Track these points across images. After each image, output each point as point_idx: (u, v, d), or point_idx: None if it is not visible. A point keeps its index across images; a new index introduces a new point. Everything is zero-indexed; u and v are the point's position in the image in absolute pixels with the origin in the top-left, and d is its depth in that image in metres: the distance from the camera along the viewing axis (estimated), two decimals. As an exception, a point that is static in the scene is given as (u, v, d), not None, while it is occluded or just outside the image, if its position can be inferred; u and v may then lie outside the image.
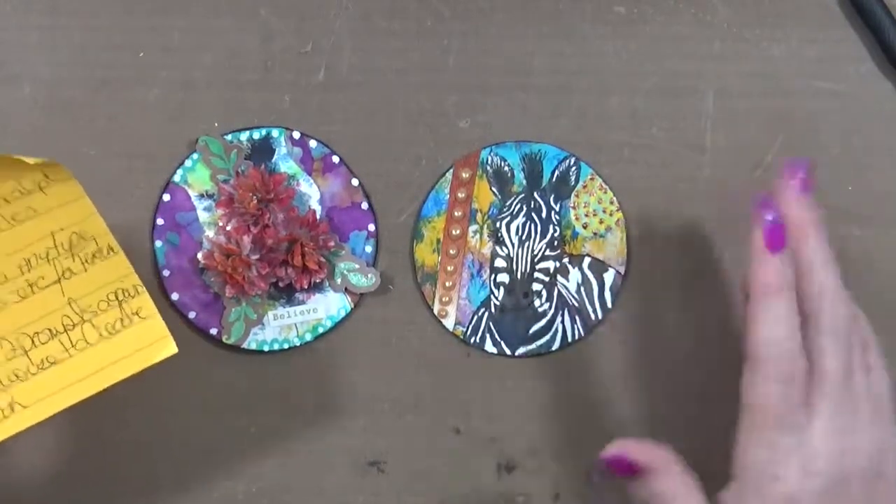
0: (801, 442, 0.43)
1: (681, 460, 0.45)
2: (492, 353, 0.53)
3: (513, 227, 0.52)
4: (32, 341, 0.45)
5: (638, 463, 0.45)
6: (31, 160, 0.43)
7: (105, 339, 0.45)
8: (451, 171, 0.53)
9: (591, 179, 0.53)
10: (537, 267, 0.52)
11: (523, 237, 0.52)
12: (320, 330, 0.52)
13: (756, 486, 0.43)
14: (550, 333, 0.53)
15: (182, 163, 0.52)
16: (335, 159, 0.52)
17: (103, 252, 0.45)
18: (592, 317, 0.53)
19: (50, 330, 0.45)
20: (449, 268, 0.52)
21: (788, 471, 0.43)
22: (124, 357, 0.45)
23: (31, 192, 0.45)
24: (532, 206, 0.52)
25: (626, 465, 0.45)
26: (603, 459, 0.46)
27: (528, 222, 0.52)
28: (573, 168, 0.53)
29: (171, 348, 0.45)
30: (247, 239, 0.50)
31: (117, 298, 0.45)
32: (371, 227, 0.52)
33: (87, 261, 0.45)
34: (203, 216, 0.52)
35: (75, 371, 0.45)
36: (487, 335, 0.52)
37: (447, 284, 0.52)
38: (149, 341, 0.45)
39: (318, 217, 0.52)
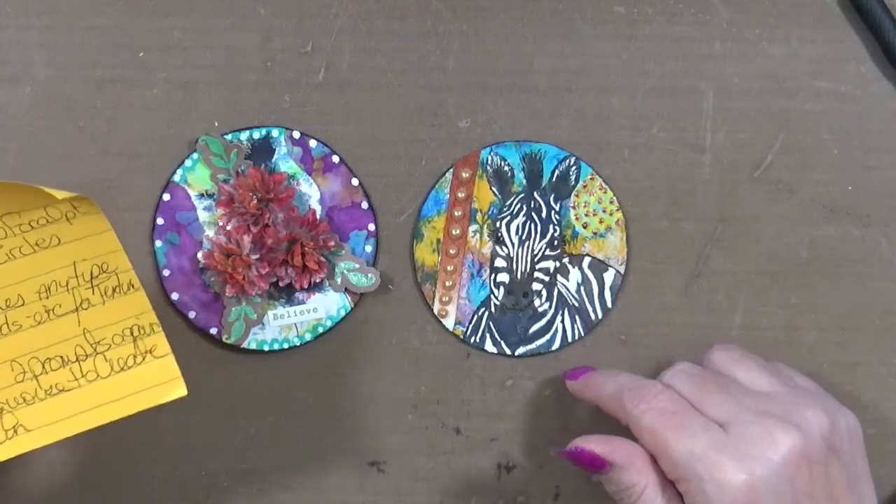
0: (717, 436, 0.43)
1: (647, 453, 0.45)
2: (492, 353, 0.53)
3: (513, 226, 0.52)
4: (43, 367, 0.44)
5: (601, 457, 0.45)
6: (59, 194, 0.42)
7: (116, 373, 0.45)
8: (451, 171, 0.52)
9: (591, 179, 0.53)
10: (537, 267, 0.52)
11: (523, 237, 0.52)
12: (320, 330, 0.52)
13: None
14: (550, 333, 0.52)
15: (182, 162, 0.52)
16: (335, 159, 0.52)
17: (123, 287, 0.45)
18: (592, 317, 0.53)
19: (62, 357, 0.45)
20: (449, 267, 0.52)
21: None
22: (133, 393, 0.45)
23: (57, 220, 0.44)
24: (532, 205, 0.52)
25: (589, 459, 0.45)
26: (561, 454, 0.46)
27: (528, 222, 0.52)
28: (573, 168, 0.53)
29: (180, 390, 0.45)
30: (247, 239, 0.50)
31: (132, 334, 0.45)
32: (371, 227, 0.52)
33: (106, 294, 0.45)
34: (203, 216, 0.52)
35: (82, 401, 0.45)
36: (487, 335, 0.52)
37: (447, 284, 0.52)
38: (159, 381, 0.45)
39: (318, 217, 0.52)
